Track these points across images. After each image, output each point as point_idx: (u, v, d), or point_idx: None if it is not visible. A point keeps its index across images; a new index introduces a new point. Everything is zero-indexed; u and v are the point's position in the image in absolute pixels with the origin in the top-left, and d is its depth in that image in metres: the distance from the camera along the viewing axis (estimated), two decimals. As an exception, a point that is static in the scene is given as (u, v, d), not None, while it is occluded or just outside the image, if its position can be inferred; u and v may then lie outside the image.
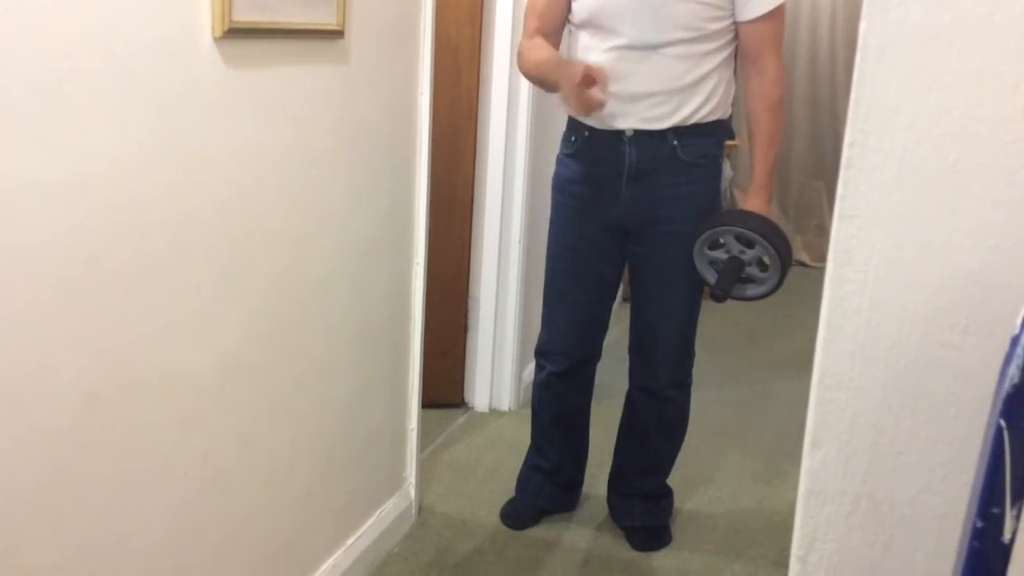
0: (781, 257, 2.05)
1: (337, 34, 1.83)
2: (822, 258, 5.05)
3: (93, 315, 1.32)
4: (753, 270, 2.09)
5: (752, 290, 2.12)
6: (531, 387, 2.56)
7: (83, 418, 1.32)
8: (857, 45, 0.83)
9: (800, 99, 5.49)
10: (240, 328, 1.65)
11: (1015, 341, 0.65)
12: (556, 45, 2.22)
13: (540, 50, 2.15)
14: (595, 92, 1.92)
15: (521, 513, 2.51)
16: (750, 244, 2.06)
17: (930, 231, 0.79)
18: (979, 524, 0.67)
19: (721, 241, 2.09)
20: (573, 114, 2.10)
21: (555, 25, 2.19)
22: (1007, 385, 0.65)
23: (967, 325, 0.84)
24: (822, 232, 5.55)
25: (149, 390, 1.44)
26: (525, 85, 2.89)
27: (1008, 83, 0.79)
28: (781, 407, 3.40)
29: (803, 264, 5.47)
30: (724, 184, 4.55)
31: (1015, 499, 0.66)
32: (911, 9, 0.80)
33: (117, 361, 1.37)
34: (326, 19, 1.79)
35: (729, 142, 4.58)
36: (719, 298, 2.09)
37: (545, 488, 2.51)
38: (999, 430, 0.66)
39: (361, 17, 1.91)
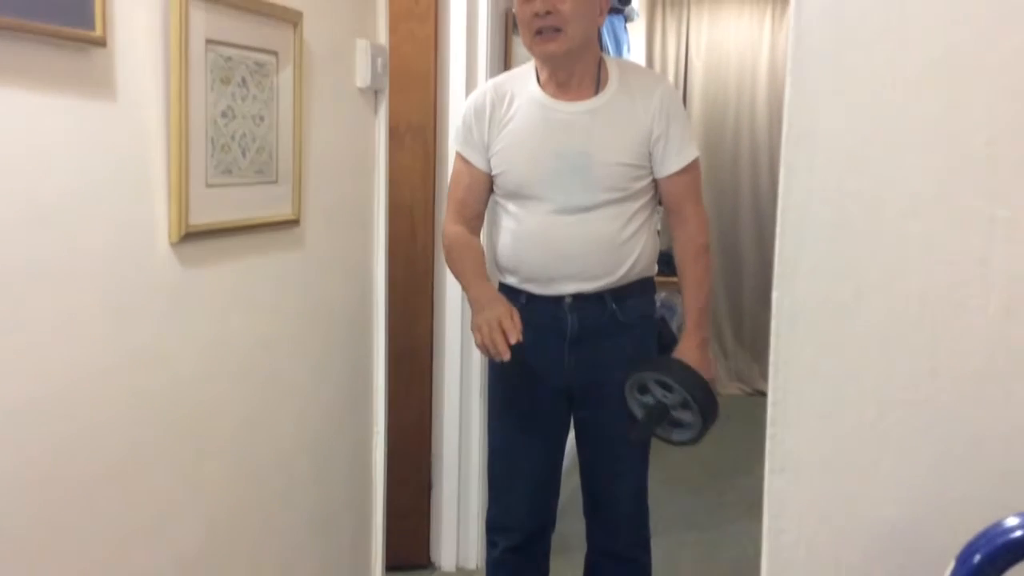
0: (699, 403, 2.04)
1: (293, 223, 1.87)
2: (780, 387, 5.09)
3: (48, 530, 1.30)
4: (682, 414, 2.09)
5: (678, 435, 2.11)
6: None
7: (35, 640, 1.29)
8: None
9: (747, 230, 5.65)
10: (198, 523, 1.64)
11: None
12: (478, 229, 2.25)
13: (471, 262, 2.19)
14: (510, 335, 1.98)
15: None
16: (670, 389, 2.08)
17: (855, 485, 0.83)
18: None
19: (647, 386, 2.11)
20: (480, 344, 2.06)
21: (476, 209, 2.23)
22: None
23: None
24: (779, 359, 5.61)
25: (104, 601, 1.41)
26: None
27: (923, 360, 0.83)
28: (747, 550, 3.37)
29: (762, 393, 5.53)
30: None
31: None
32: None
33: (74, 573, 1.35)
34: (283, 211, 1.83)
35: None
36: (633, 443, 2.10)
37: None
38: None
39: (316, 201, 1.96)
